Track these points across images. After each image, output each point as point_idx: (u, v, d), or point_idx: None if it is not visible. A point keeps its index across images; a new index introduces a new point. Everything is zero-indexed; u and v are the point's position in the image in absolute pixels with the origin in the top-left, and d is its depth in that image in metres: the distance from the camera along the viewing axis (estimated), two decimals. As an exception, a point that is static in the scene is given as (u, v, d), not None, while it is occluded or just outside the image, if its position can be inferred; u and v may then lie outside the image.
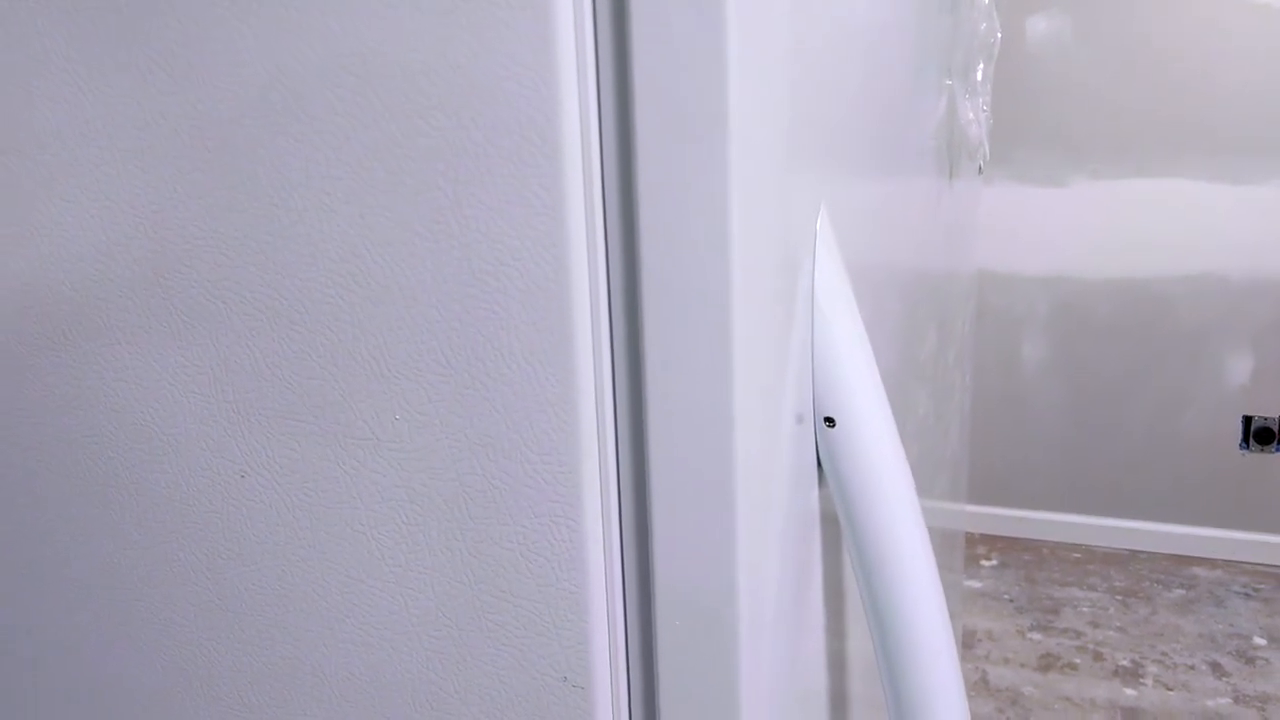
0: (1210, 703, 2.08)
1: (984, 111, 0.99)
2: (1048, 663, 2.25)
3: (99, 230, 0.42)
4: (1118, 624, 2.42)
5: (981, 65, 0.95)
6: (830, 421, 0.43)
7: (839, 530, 0.51)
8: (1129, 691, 2.13)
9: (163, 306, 0.42)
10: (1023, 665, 2.25)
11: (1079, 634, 2.37)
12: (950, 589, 1.45)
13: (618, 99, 0.36)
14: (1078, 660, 2.26)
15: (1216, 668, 2.21)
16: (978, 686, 2.16)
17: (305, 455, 0.41)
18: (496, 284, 0.37)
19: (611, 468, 0.39)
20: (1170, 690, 2.13)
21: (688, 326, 0.36)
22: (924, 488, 0.88)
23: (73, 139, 0.41)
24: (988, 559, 2.81)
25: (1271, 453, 2.65)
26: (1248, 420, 2.65)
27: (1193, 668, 2.21)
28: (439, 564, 0.41)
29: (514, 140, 0.36)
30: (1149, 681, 2.17)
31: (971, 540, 2.92)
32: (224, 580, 0.44)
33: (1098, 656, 2.27)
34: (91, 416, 0.44)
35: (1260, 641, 2.31)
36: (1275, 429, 2.63)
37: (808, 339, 0.42)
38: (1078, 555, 2.80)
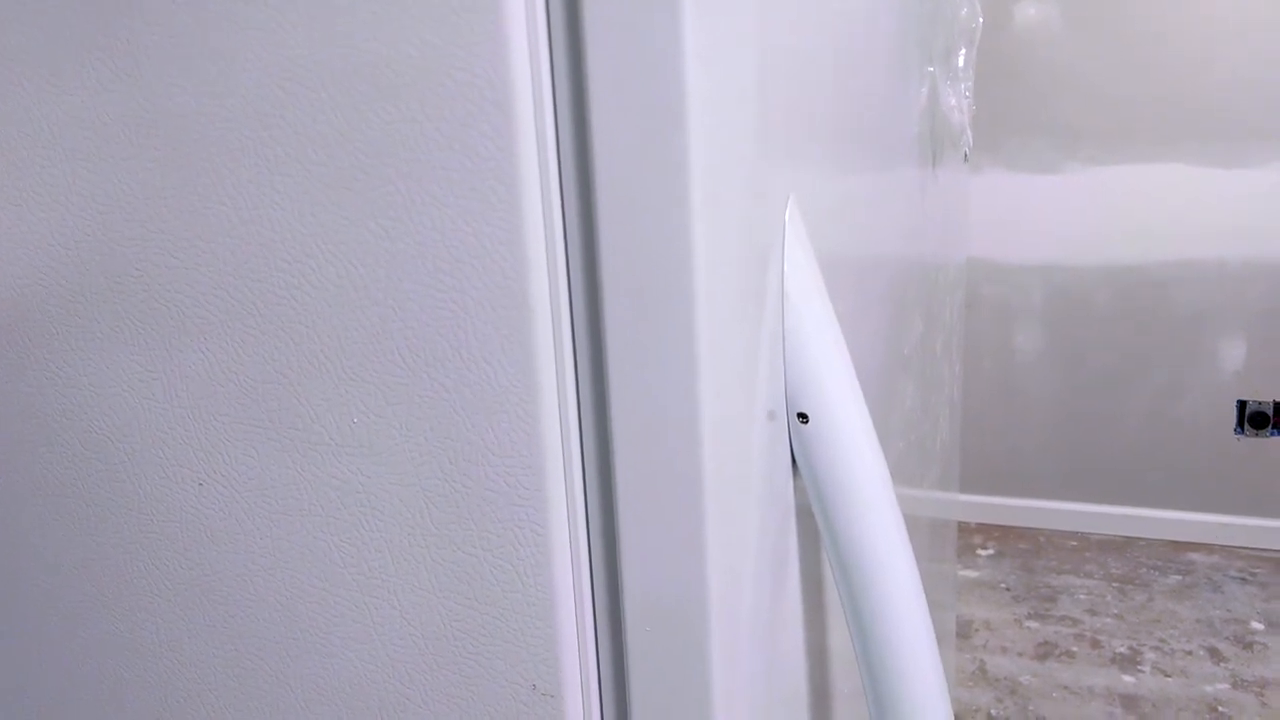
0: (1208, 688, 2.08)
1: (966, 98, 0.98)
2: (1045, 651, 2.25)
3: (47, 233, 0.41)
4: (1115, 611, 2.41)
5: (963, 51, 0.94)
6: (803, 417, 0.42)
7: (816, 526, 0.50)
8: (1127, 679, 2.13)
9: (114, 310, 0.41)
10: (1020, 654, 2.24)
11: (1076, 622, 2.37)
12: (944, 579, 1.45)
13: (573, 89, 0.34)
14: (1075, 648, 2.25)
15: (1214, 653, 2.20)
16: (975, 676, 2.16)
17: (264, 462, 0.40)
18: (454, 282, 0.36)
19: (576, 469, 0.38)
20: (1168, 677, 2.12)
21: (651, 323, 0.35)
22: (912, 479, 0.87)
23: (18, 140, 0.40)
24: (984, 548, 2.80)
25: (1267, 437, 2.64)
26: (1242, 405, 2.65)
27: (1190, 654, 2.21)
28: (402, 570, 0.40)
29: (468, 134, 0.35)
30: (1147, 668, 2.16)
31: (967, 529, 2.91)
32: (183, 590, 0.43)
33: (1095, 644, 2.27)
34: (44, 424, 0.43)
35: (1258, 626, 2.31)
36: (1270, 413, 2.62)
37: (779, 334, 0.41)
38: (1074, 543, 2.80)
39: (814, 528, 0.50)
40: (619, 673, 0.39)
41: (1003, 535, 2.87)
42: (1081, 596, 2.49)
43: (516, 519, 0.38)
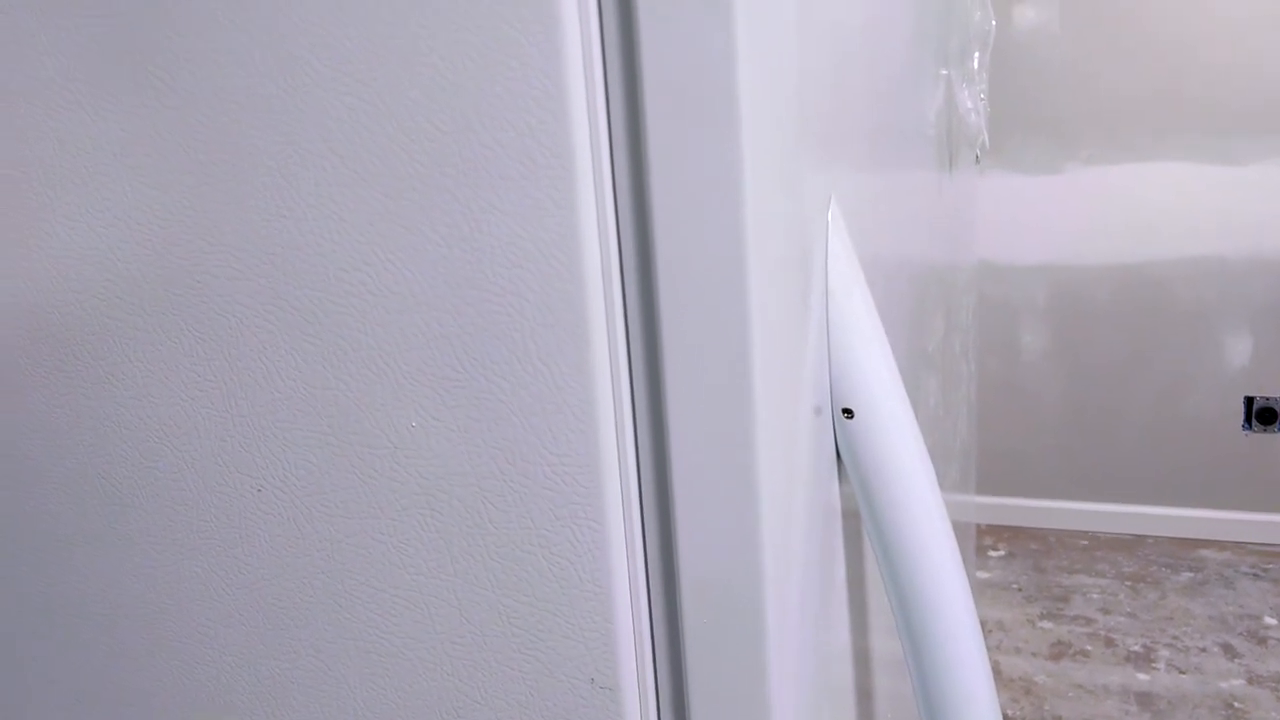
0: (1224, 684, 2.08)
1: (982, 100, 0.99)
2: (1059, 651, 2.25)
3: (106, 246, 0.42)
4: (1128, 609, 2.41)
5: (977, 54, 0.95)
6: (849, 413, 0.42)
7: (858, 524, 0.51)
8: (1142, 676, 2.13)
9: (172, 321, 0.42)
10: (1034, 654, 2.24)
11: (1089, 621, 2.37)
12: (961, 580, 1.45)
13: (626, 96, 0.35)
14: (1089, 647, 2.26)
15: (1228, 649, 2.21)
16: (990, 677, 2.15)
17: (321, 467, 0.41)
18: (510, 286, 0.37)
19: (631, 466, 0.39)
20: (1183, 674, 2.13)
21: (704, 322, 0.36)
22: (937, 479, 0.88)
23: (77, 156, 0.41)
24: (995, 549, 2.80)
25: (1274, 432, 2.65)
26: (1250, 401, 2.65)
27: (1205, 650, 2.21)
28: (460, 570, 0.40)
29: (522, 140, 0.35)
30: (1161, 666, 2.16)
31: (978, 531, 2.92)
32: (242, 594, 0.44)
33: (1109, 643, 2.27)
34: (103, 433, 0.44)
35: (1271, 621, 2.31)
36: (1277, 409, 2.63)
37: (823, 330, 0.42)
38: (1085, 542, 2.80)
39: (854, 528, 0.51)
40: (676, 665, 0.40)
41: (1013, 536, 2.88)
42: (1094, 595, 2.49)
43: (574, 516, 0.38)
